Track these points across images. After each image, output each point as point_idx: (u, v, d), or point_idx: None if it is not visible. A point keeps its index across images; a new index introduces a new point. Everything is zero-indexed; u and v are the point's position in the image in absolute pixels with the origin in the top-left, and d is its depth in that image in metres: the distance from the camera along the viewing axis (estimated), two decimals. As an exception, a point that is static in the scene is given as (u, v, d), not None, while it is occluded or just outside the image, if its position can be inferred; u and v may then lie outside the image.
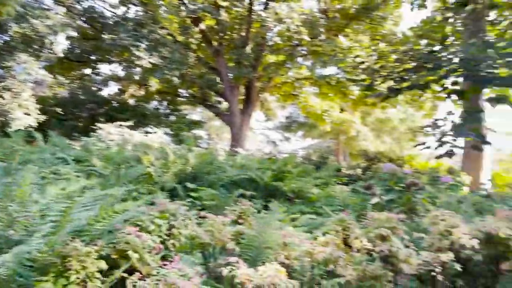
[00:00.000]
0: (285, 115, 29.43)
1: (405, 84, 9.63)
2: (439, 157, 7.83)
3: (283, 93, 21.44)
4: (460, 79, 9.14)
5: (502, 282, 3.52)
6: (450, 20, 12.34)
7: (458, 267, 3.23)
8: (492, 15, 11.57)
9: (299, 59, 19.17)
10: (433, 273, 3.15)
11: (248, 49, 16.88)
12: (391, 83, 10.78)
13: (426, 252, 3.09)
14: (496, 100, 8.33)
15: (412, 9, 13.06)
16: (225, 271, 2.29)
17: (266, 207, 5.80)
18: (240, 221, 3.55)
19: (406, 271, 2.88)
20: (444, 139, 7.81)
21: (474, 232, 3.38)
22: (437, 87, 10.89)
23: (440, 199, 5.46)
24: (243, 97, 19.28)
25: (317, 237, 3.36)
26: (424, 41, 12.98)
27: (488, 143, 8.54)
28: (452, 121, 8.99)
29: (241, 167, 8.49)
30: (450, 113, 9.85)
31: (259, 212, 4.14)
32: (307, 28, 15.46)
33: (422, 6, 12.83)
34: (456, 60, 8.88)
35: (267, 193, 7.40)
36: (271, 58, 19.33)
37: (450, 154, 7.69)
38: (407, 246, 3.01)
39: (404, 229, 3.11)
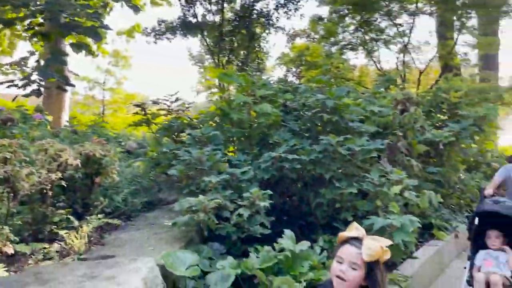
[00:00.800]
0: None
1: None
2: (27, 95, 7.93)
3: None
4: (45, 22, 9.38)
5: (95, 193, 4.47)
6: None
7: (63, 183, 3.89)
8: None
9: None
10: (44, 191, 3.67)
11: None
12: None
13: (40, 172, 3.54)
14: (78, 47, 9.24)
15: None
16: None
17: None
18: None
19: (26, 188, 3.24)
20: (32, 78, 7.96)
21: (76, 155, 4.11)
22: (18, 26, 10.58)
23: (33, 134, 5.82)
24: None
25: None
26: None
27: (73, 85, 9.39)
28: (37, 61, 9.20)
29: None
30: (33, 53, 9.97)
31: None
32: None
33: None
34: (41, 2, 9.01)
35: None
36: None
37: (37, 93, 7.96)
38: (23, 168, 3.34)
39: (23, 153, 3.40)
